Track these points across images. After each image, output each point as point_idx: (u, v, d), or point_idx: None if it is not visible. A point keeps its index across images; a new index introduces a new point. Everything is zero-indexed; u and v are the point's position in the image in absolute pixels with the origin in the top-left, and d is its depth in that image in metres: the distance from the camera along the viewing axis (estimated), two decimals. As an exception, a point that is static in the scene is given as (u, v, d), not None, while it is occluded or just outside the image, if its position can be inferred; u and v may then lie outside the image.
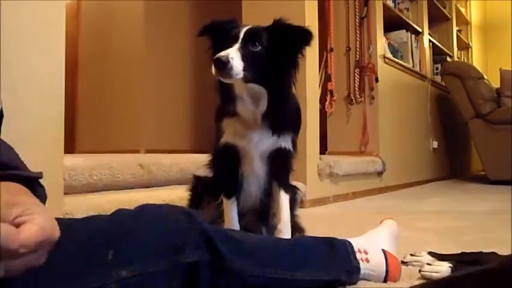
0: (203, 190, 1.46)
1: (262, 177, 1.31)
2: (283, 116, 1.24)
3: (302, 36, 1.18)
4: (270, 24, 1.20)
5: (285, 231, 1.30)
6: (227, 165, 1.30)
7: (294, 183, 1.51)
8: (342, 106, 3.50)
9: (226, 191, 1.31)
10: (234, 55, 1.08)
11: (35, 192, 0.63)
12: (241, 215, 1.36)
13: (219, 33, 1.21)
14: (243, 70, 1.09)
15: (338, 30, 3.47)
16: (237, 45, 1.12)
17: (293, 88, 1.25)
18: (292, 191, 1.43)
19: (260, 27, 1.19)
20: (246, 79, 1.12)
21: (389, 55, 3.71)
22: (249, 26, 1.18)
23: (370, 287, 0.99)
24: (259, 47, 1.15)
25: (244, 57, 1.10)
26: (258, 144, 1.24)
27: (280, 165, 1.31)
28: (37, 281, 0.64)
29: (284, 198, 1.31)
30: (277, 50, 1.17)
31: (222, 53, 1.08)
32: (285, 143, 1.27)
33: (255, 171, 1.30)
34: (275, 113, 1.21)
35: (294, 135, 1.30)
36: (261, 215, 1.40)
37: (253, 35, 1.15)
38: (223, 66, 1.07)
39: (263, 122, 1.22)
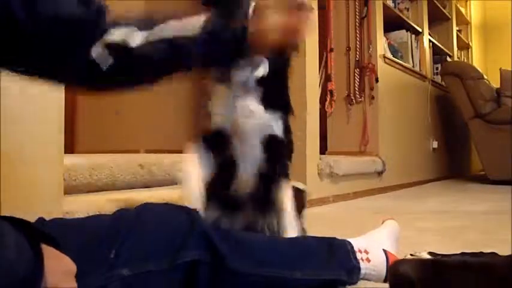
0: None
1: (258, 157, 1.20)
2: (278, 93, 1.19)
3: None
4: None
5: (289, 229, 1.28)
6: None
7: (297, 185, 1.48)
8: (342, 106, 3.50)
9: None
10: None
11: None
12: (237, 205, 1.34)
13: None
14: None
15: (338, 30, 3.47)
16: None
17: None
18: (299, 196, 1.38)
19: None
20: None
21: (389, 55, 3.71)
22: None
23: (370, 287, 0.99)
24: None
25: None
26: (250, 116, 1.16)
27: (275, 153, 1.22)
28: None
29: (285, 192, 1.28)
30: None
31: None
32: (276, 125, 1.18)
33: (249, 152, 1.18)
34: (271, 84, 1.15)
35: (286, 117, 1.22)
36: (258, 203, 1.37)
37: None
38: None
39: (256, 89, 1.15)
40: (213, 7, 1.21)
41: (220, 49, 0.86)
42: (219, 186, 1.24)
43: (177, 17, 0.87)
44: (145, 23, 0.84)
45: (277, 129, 1.19)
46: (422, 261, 0.82)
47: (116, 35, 0.80)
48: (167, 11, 0.92)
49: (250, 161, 1.23)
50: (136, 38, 0.81)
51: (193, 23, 0.85)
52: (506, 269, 0.77)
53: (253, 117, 1.16)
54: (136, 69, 0.84)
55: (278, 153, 1.23)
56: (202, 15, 0.86)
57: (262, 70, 1.12)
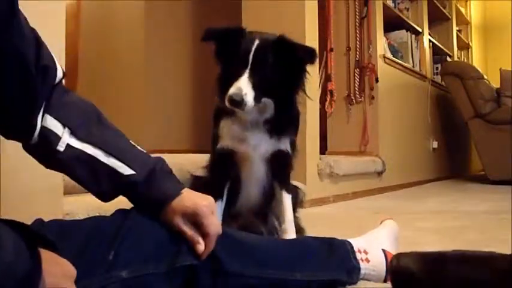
0: (201, 190, 1.46)
1: (263, 178, 1.32)
2: (285, 121, 1.26)
3: (305, 54, 1.19)
4: (274, 38, 1.20)
5: (289, 231, 1.30)
6: (222, 169, 1.31)
7: (295, 183, 1.51)
8: (342, 106, 3.50)
9: (216, 193, 1.30)
10: (246, 89, 1.10)
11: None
12: (239, 216, 1.37)
13: (224, 41, 1.21)
14: (254, 98, 1.12)
15: (338, 30, 3.46)
16: (246, 74, 1.12)
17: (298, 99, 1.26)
18: (294, 191, 1.44)
19: (266, 43, 1.18)
20: (256, 102, 1.14)
21: (389, 55, 3.71)
22: (256, 44, 1.16)
23: (370, 287, 0.99)
24: (268, 69, 1.15)
25: (255, 85, 1.12)
26: (258, 147, 1.25)
27: (280, 167, 1.31)
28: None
29: (286, 198, 1.32)
30: (283, 67, 1.18)
31: (235, 90, 1.09)
32: (285, 145, 1.27)
33: (254, 174, 1.30)
34: (278, 119, 1.22)
35: (293, 136, 1.31)
36: (260, 215, 1.40)
37: (261, 56, 1.15)
38: (238, 104, 1.10)
39: (264, 126, 1.22)
40: (214, 43, 1.26)
41: (141, 202, 0.83)
42: (226, 201, 1.31)
43: (119, 139, 0.85)
44: (84, 129, 0.79)
45: (285, 146, 1.29)
46: (422, 254, 0.83)
47: (48, 124, 0.77)
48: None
49: (254, 180, 1.31)
50: (65, 142, 0.77)
51: (124, 167, 0.80)
52: (505, 262, 0.78)
53: (259, 149, 1.24)
54: (55, 166, 0.83)
55: (284, 165, 1.31)
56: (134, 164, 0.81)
57: (269, 113, 1.19)
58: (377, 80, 3.44)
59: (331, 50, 3.27)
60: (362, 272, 0.98)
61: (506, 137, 3.83)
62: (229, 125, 1.25)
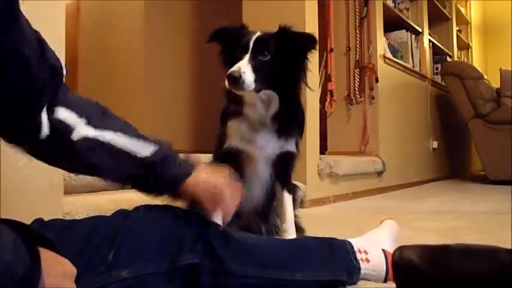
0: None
1: (266, 179, 1.32)
2: (292, 119, 1.26)
3: (307, 41, 1.21)
4: (276, 30, 1.22)
5: (290, 231, 1.30)
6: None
7: (294, 182, 1.52)
8: (342, 106, 3.50)
9: None
10: (245, 69, 1.12)
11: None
12: (241, 216, 1.37)
13: (229, 39, 1.24)
14: (254, 81, 1.13)
15: (338, 30, 3.47)
16: (247, 57, 1.15)
17: (301, 93, 1.28)
18: (293, 190, 1.44)
19: (268, 34, 1.21)
20: (257, 89, 1.16)
21: (389, 55, 3.71)
22: (258, 34, 1.20)
23: (370, 287, 0.99)
24: (268, 56, 1.18)
25: (255, 68, 1.14)
26: (265, 148, 1.25)
27: (284, 167, 1.32)
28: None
29: (287, 198, 1.32)
30: (285, 56, 1.20)
31: (234, 68, 1.12)
32: (291, 146, 1.28)
33: (258, 174, 1.30)
34: (285, 115, 1.23)
35: (299, 137, 1.32)
36: (261, 215, 1.40)
37: (262, 43, 1.18)
38: (236, 81, 1.11)
39: (271, 124, 1.23)
40: (220, 44, 1.27)
41: (158, 182, 0.87)
42: None
43: (130, 127, 0.87)
44: (98, 119, 0.81)
45: (292, 147, 1.29)
46: (425, 247, 0.83)
47: (61, 116, 0.77)
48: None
49: (258, 180, 1.31)
50: (81, 131, 0.78)
51: (145, 145, 0.84)
52: (509, 256, 0.78)
53: (266, 150, 1.24)
54: (69, 158, 0.82)
55: (288, 165, 1.31)
56: (152, 143, 0.86)
57: (275, 107, 1.20)
58: (377, 80, 3.44)
59: (331, 50, 3.27)
60: (362, 272, 0.98)
61: (506, 137, 3.83)
62: (237, 124, 1.25)
